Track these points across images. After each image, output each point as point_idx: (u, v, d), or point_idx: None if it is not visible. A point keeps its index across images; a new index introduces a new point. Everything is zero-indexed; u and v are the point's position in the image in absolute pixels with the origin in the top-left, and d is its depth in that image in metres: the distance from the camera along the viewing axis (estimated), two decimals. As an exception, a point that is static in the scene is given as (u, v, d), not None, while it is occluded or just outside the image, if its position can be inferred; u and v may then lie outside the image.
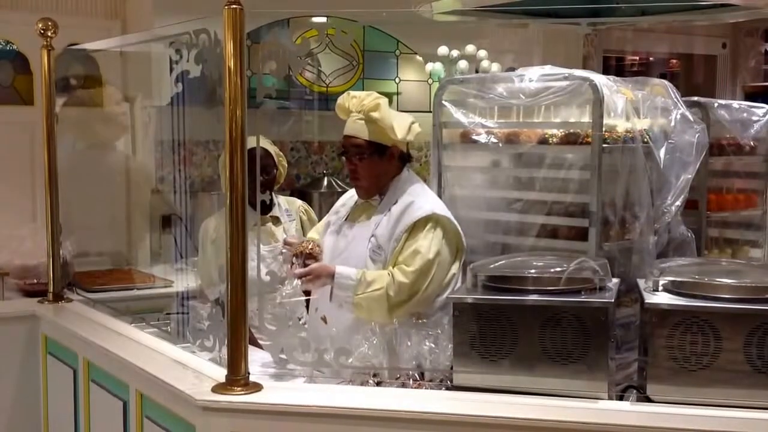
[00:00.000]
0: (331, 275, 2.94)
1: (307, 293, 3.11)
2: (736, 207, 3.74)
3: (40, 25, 3.75)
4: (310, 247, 3.08)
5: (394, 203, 3.04)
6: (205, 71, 2.72)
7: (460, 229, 3.04)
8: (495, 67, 5.50)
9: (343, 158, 3.14)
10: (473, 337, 2.46)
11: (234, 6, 2.41)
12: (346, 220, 3.19)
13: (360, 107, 3.02)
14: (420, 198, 3.03)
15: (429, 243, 2.93)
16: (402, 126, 3.02)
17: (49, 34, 3.76)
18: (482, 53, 5.52)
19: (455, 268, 3.01)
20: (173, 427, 2.66)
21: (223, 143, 2.46)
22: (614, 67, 8.74)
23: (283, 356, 2.65)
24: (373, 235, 3.03)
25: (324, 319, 3.03)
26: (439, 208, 3.03)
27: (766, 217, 3.85)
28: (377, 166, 3.04)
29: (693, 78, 9.07)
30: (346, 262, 3.04)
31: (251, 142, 2.55)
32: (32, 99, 5.08)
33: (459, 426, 2.36)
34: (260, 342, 3.10)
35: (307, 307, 3.38)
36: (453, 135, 3.39)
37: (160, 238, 4.77)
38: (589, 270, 2.54)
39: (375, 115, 2.98)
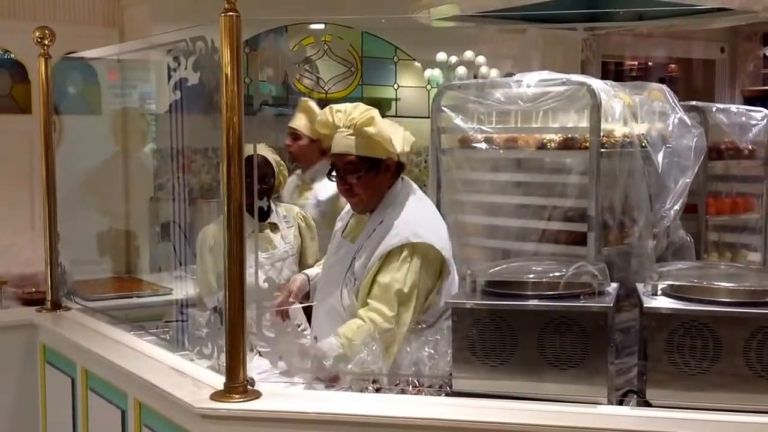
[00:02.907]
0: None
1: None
2: (734, 211, 3.74)
3: (37, 34, 3.75)
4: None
5: (380, 223, 2.90)
6: (203, 78, 2.72)
7: (445, 252, 2.89)
8: (494, 72, 5.49)
9: (334, 177, 2.98)
10: (472, 343, 2.45)
11: (230, 13, 2.41)
12: (342, 233, 3.12)
13: (348, 122, 2.87)
14: (402, 220, 2.86)
15: (404, 276, 2.78)
16: (398, 138, 2.90)
17: (46, 42, 3.76)
18: (481, 59, 5.52)
19: (435, 290, 2.89)
20: (172, 435, 2.66)
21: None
22: (613, 72, 8.76)
23: (281, 363, 2.64)
24: (353, 258, 2.92)
25: (316, 339, 3.00)
26: (420, 232, 2.85)
27: (765, 220, 3.84)
28: (374, 181, 2.90)
29: (692, 82, 9.09)
30: (331, 281, 3.01)
31: (249, 149, 2.54)
32: (30, 107, 5.09)
33: (459, 432, 2.35)
34: (259, 349, 3.08)
35: (308, 317, 3.39)
36: (451, 140, 3.39)
37: (158, 245, 4.77)
38: (588, 275, 2.53)
39: (370, 130, 2.84)
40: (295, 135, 4.56)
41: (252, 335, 2.63)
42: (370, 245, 2.89)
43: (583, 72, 6.16)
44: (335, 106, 2.95)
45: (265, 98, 2.55)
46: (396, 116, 6.02)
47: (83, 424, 3.29)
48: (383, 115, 3.03)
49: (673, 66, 9.35)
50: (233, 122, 2.42)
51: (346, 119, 2.88)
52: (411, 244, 2.81)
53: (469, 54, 5.49)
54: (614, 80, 3.22)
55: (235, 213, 2.45)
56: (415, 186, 3.07)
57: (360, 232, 3.01)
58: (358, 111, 2.88)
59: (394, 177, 2.98)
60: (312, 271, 3.40)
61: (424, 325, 2.85)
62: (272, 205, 3.87)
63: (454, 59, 5.45)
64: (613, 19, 3.75)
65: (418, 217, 2.94)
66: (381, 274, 2.81)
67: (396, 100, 6.26)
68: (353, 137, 2.87)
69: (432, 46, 5.48)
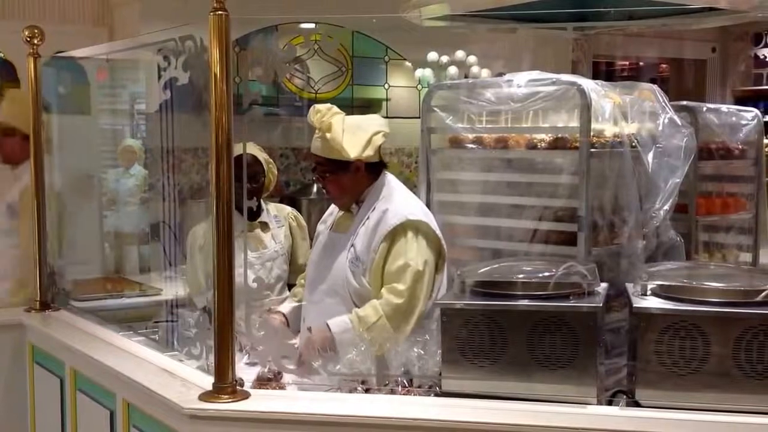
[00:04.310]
0: (328, 330, 2.89)
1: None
2: (725, 211, 3.74)
3: (26, 33, 3.74)
4: None
5: (372, 210, 3.02)
6: (193, 78, 2.71)
7: (439, 232, 3.01)
8: (485, 72, 5.50)
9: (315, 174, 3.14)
10: (462, 343, 2.45)
11: (219, 12, 2.40)
12: (331, 229, 3.19)
13: (320, 124, 2.98)
14: (395, 204, 2.99)
15: (416, 254, 2.90)
16: (355, 144, 2.97)
17: (36, 41, 3.75)
18: (472, 59, 5.53)
19: (438, 269, 3.00)
20: (160, 436, 2.65)
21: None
22: (604, 72, 8.78)
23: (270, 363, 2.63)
24: (352, 245, 3.01)
25: (310, 330, 3.02)
26: (415, 212, 2.99)
27: (756, 220, 3.85)
28: (342, 181, 3.02)
29: (683, 82, 9.12)
30: (330, 273, 3.04)
31: (239, 149, 2.53)
32: (20, 107, 5.06)
33: (448, 432, 2.35)
34: (248, 349, 3.08)
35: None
36: (441, 140, 3.39)
37: (148, 245, 4.75)
38: (577, 275, 2.53)
39: (327, 135, 2.95)
40: None
41: (241, 335, 2.63)
42: (367, 229, 2.98)
43: (574, 72, 6.17)
44: (318, 106, 3.04)
45: (254, 97, 2.54)
46: (386, 116, 6.01)
47: (72, 425, 3.28)
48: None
49: (664, 66, 9.37)
50: (222, 122, 2.41)
51: (319, 121, 2.99)
52: (412, 223, 2.93)
53: (460, 54, 5.50)
54: (605, 80, 3.22)
55: (224, 212, 2.44)
56: (398, 181, 3.15)
57: (350, 223, 3.09)
58: (327, 115, 2.98)
59: (372, 175, 3.07)
60: (285, 307, 3.37)
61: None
62: (263, 204, 3.86)
63: (445, 59, 5.45)
64: (602, 18, 3.75)
65: (410, 202, 3.07)
66: (392, 256, 2.92)
67: (386, 100, 6.25)
68: (320, 139, 2.99)
69: (423, 45, 5.48)
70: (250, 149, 3.60)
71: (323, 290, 3.09)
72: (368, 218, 3.00)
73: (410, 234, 2.92)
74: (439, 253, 3.01)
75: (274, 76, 2.59)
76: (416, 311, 2.88)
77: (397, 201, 3.02)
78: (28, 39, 3.75)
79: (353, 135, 2.99)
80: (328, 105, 3.03)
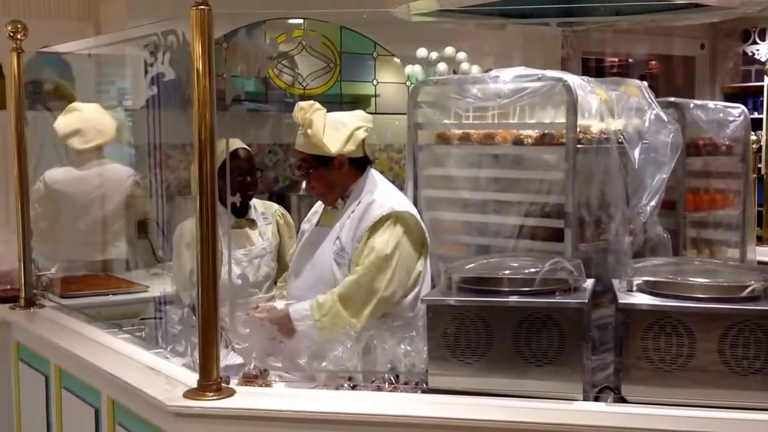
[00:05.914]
0: (286, 315, 2.92)
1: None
2: (713, 207, 3.74)
3: (9, 28, 3.71)
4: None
5: (358, 203, 3.04)
6: (178, 73, 2.69)
7: (423, 225, 3.04)
8: (474, 69, 5.49)
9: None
10: (448, 339, 2.44)
11: (201, 7, 2.39)
12: (316, 225, 3.20)
13: (303, 120, 3.01)
14: (381, 196, 3.03)
15: (386, 239, 2.93)
16: (336, 139, 3.00)
17: (19, 36, 3.72)
18: (461, 55, 5.51)
19: (420, 265, 3.01)
20: (145, 434, 2.63)
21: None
22: (594, 68, 8.78)
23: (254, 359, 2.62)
24: (337, 238, 3.03)
25: None
26: (400, 204, 3.03)
27: (743, 216, 3.85)
28: (326, 176, 3.06)
29: (672, 79, 9.13)
30: (315, 266, 3.05)
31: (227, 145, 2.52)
32: (4, 103, 5.02)
33: (435, 429, 2.34)
34: (233, 345, 3.06)
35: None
36: (428, 136, 3.38)
37: (136, 242, 4.72)
38: (563, 271, 2.52)
39: (309, 131, 2.98)
40: None
41: (227, 332, 2.62)
42: (353, 221, 3.00)
43: (563, 69, 6.17)
44: (301, 103, 3.06)
45: (237, 92, 2.52)
46: (375, 113, 5.99)
47: (57, 423, 3.26)
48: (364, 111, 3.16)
49: (653, 63, 9.39)
50: (205, 118, 2.40)
51: (302, 118, 3.01)
52: (395, 213, 2.97)
53: (449, 50, 5.48)
54: (595, 77, 3.22)
55: (208, 209, 2.43)
56: (383, 177, 3.18)
57: (336, 217, 3.10)
58: (309, 112, 3.00)
59: (357, 171, 3.09)
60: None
61: (400, 323, 2.85)
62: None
63: (434, 55, 5.43)
64: (590, 14, 3.74)
65: (396, 195, 3.11)
66: (368, 242, 2.94)
67: (375, 96, 6.23)
68: (303, 135, 3.03)
69: (412, 42, 5.46)
70: (235, 145, 3.59)
71: (308, 283, 3.09)
72: (353, 211, 3.03)
73: (389, 222, 2.96)
74: (422, 243, 3.03)
75: (258, 72, 2.58)
76: (378, 294, 2.88)
77: (383, 193, 3.05)
78: (11, 34, 3.72)
79: (335, 130, 3.02)
80: (311, 102, 3.05)
